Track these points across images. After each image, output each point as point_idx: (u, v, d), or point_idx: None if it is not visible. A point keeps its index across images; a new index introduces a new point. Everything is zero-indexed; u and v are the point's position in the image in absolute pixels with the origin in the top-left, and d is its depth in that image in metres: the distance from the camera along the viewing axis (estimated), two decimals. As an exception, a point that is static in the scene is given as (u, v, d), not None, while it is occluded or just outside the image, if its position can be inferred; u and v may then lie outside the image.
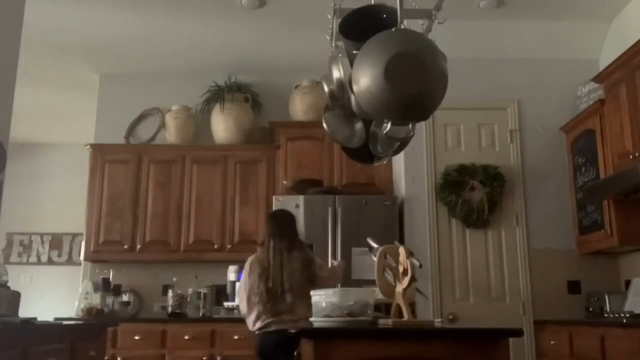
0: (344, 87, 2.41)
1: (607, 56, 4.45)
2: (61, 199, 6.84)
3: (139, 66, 5.28)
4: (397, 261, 2.41)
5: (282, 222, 3.44)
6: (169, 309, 4.69)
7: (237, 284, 4.65)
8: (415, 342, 2.05)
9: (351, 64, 2.23)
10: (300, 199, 4.51)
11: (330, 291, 2.45)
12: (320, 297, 2.44)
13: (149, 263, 4.98)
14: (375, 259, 2.54)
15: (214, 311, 4.60)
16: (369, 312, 2.36)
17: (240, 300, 3.44)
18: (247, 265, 3.41)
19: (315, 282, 3.23)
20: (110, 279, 4.79)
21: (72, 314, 4.58)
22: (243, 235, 4.86)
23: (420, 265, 2.31)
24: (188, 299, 4.72)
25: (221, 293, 4.77)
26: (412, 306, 2.50)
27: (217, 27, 4.61)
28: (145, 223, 4.89)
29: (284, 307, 3.19)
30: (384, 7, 2.34)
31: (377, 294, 2.48)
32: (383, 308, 2.64)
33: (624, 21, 4.39)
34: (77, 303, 4.63)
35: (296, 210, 4.44)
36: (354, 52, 2.19)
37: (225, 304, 4.61)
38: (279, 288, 3.20)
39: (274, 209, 4.49)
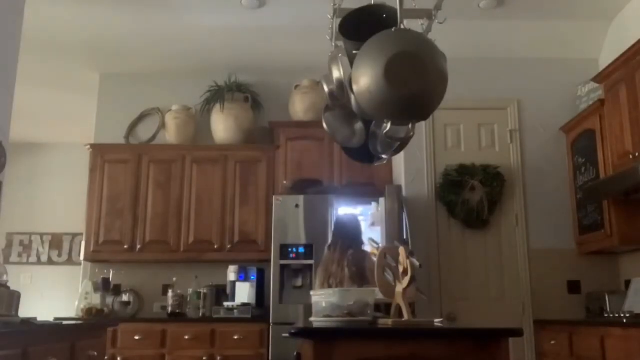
0: (344, 87, 2.41)
1: (607, 56, 4.45)
2: (61, 199, 6.84)
3: (139, 66, 5.28)
4: (397, 261, 2.41)
5: (341, 225, 3.69)
6: (169, 309, 4.69)
7: (238, 284, 4.70)
8: (415, 342, 2.04)
9: (351, 64, 2.22)
10: (300, 199, 4.51)
11: (330, 291, 2.45)
12: (320, 297, 2.44)
13: (149, 263, 4.98)
14: (375, 259, 2.54)
15: (214, 311, 4.60)
16: (369, 312, 2.36)
17: None
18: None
19: (364, 282, 3.37)
20: (110, 279, 4.79)
21: (72, 314, 4.57)
22: (243, 235, 4.86)
23: (420, 266, 2.31)
24: (188, 299, 4.72)
25: (221, 293, 4.77)
26: (412, 306, 2.49)
27: (217, 27, 4.60)
28: (145, 223, 4.89)
29: None
30: (384, 7, 2.34)
31: (377, 294, 2.48)
32: (383, 308, 2.63)
33: (624, 21, 4.39)
34: (77, 303, 4.63)
35: (296, 210, 4.44)
36: (354, 52, 2.19)
37: (225, 304, 4.61)
38: (336, 285, 3.37)
39: (274, 209, 4.50)
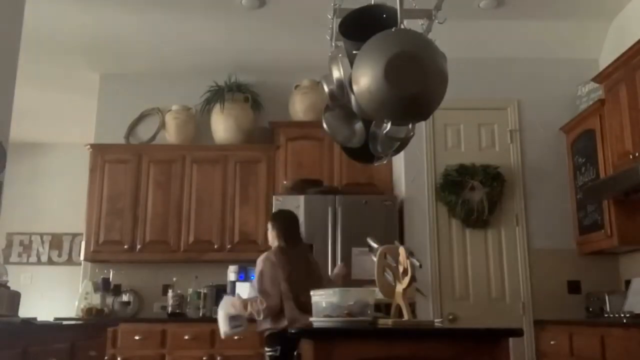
0: (344, 87, 2.41)
1: (607, 56, 4.45)
2: (61, 199, 6.84)
3: (139, 66, 5.28)
4: (397, 261, 2.41)
5: (294, 217, 3.64)
6: (169, 309, 4.69)
7: (238, 284, 4.69)
8: (415, 342, 2.05)
9: (351, 64, 2.23)
10: (300, 199, 4.51)
11: (330, 291, 2.45)
12: (321, 297, 2.44)
13: (149, 263, 4.98)
14: (375, 259, 2.54)
15: (214, 311, 4.59)
16: (369, 312, 2.36)
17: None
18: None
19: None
20: (110, 279, 4.79)
21: (72, 314, 4.57)
22: (243, 235, 4.86)
23: (420, 265, 2.31)
24: (188, 299, 4.73)
25: (221, 293, 4.75)
26: (412, 306, 2.49)
27: (217, 27, 4.60)
28: (145, 223, 4.89)
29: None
30: (384, 7, 2.34)
31: (377, 294, 2.48)
32: (383, 308, 2.64)
33: (624, 21, 4.39)
34: (77, 303, 4.63)
35: (296, 210, 4.43)
36: (354, 52, 2.19)
37: (225, 304, 4.61)
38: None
39: (274, 209, 4.49)
